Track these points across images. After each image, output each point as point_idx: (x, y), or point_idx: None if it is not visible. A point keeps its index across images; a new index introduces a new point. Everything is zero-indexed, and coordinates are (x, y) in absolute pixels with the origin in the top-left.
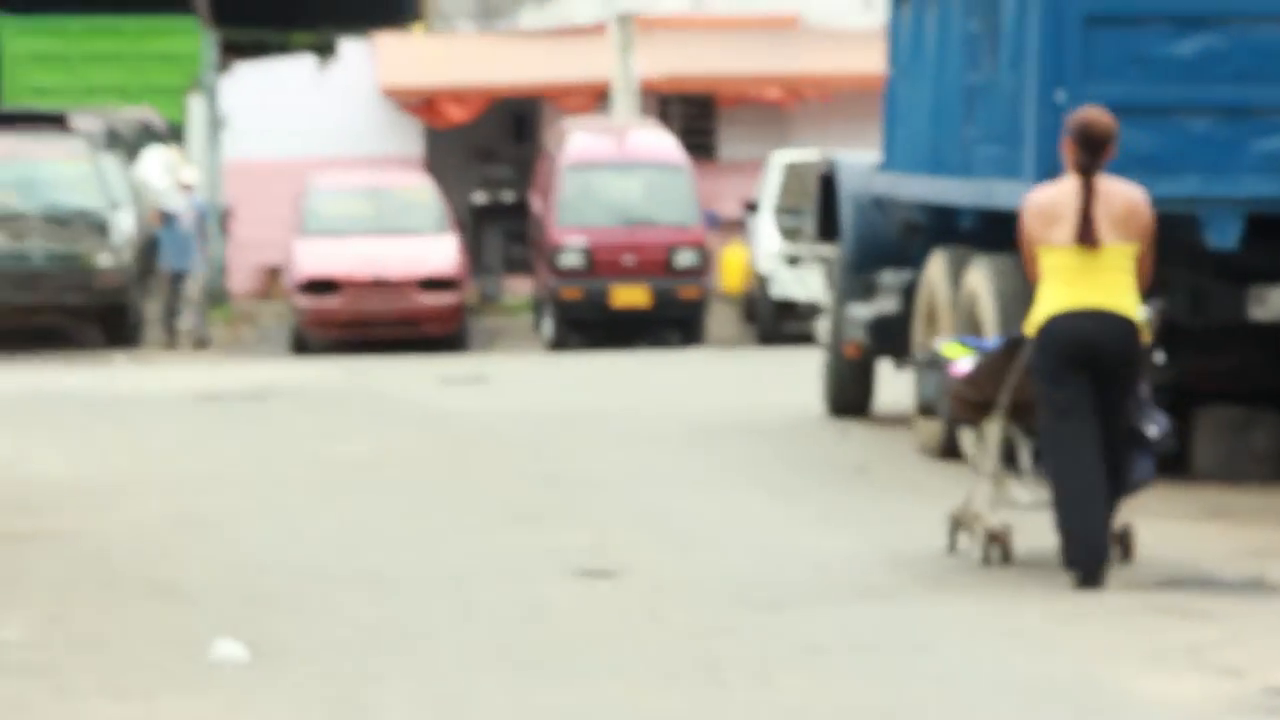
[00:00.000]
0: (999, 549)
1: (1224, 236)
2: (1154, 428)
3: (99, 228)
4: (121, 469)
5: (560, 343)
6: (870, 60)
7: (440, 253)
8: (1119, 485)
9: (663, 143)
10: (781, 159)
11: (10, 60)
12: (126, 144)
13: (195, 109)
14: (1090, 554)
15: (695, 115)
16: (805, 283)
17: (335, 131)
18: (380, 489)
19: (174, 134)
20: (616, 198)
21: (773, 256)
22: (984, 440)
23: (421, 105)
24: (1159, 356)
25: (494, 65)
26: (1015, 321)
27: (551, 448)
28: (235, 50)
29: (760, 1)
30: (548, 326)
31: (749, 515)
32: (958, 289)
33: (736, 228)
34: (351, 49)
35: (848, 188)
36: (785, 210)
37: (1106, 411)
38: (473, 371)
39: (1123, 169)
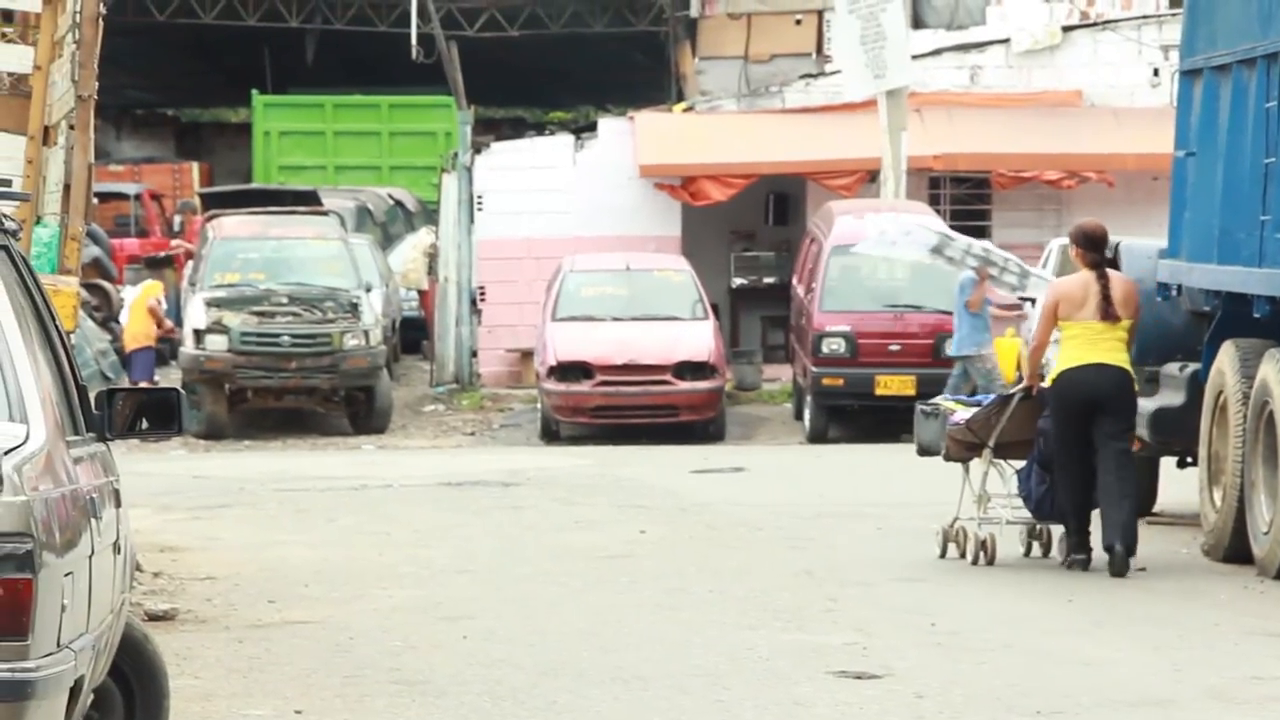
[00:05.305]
0: (985, 555)
1: None
2: None
3: (349, 308)
4: (367, 558)
5: (821, 432)
6: (1157, 141)
7: (697, 337)
8: (1126, 496)
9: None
10: (1060, 243)
11: (263, 137)
12: (378, 223)
13: (449, 188)
14: (1086, 550)
15: (969, 197)
16: None
17: (590, 211)
18: (631, 581)
19: (426, 214)
20: (882, 282)
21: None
22: (973, 473)
23: (680, 185)
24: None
25: (756, 144)
26: None
27: (811, 542)
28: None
29: (1040, 78)
30: (808, 415)
31: (1019, 617)
32: (1249, 382)
33: (1011, 314)
34: (610, 127)
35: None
36: None
37: (1112, 439)
38: (730, 461)
39: None
